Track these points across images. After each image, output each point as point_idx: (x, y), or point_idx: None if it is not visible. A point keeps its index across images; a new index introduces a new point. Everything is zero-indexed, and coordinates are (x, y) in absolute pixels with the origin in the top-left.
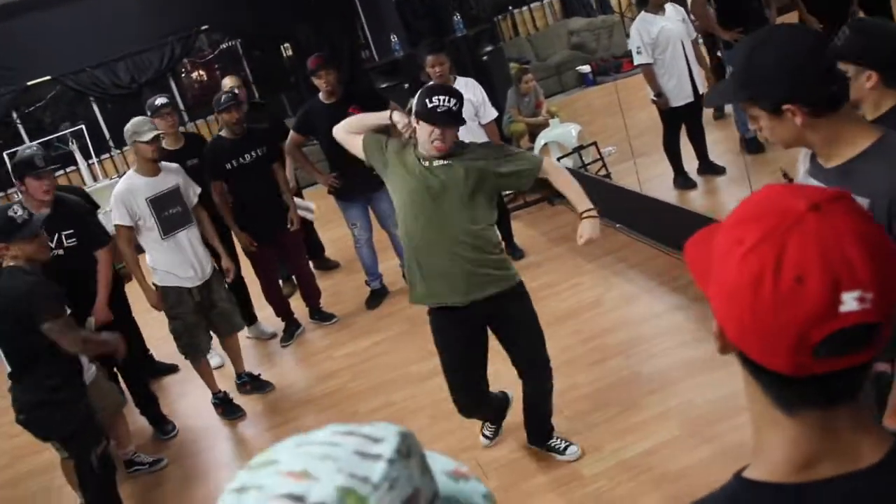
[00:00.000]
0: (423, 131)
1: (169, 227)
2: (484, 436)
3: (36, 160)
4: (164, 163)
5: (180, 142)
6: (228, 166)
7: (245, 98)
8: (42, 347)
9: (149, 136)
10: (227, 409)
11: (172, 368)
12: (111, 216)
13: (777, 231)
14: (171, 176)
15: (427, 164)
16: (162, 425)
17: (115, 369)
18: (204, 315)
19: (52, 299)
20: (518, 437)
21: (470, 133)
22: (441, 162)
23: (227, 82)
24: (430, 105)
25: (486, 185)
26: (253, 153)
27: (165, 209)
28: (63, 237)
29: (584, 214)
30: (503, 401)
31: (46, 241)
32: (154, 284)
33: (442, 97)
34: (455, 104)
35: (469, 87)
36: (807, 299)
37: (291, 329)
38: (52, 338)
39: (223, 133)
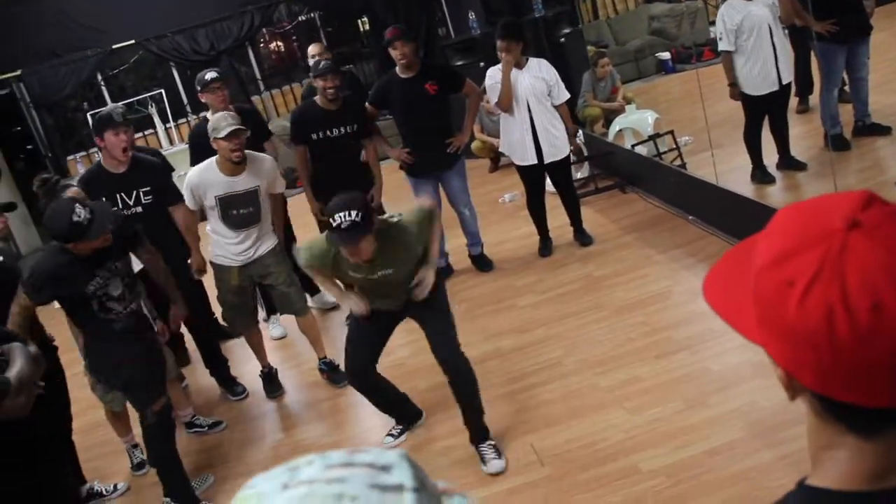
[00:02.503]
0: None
1: (232, 224)
2: (389, 434)
3: (115, 115)
4: (258, 158)
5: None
6: (314, 136)
7: None
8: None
9: (223, 133)
10: (267, 386)
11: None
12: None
13: (828, 262)
14: (255, 177)
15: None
16: (232, 386)
17: (182, 331)
18: (248, 295)
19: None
20: (573, 428)
21: (543, 114)
22: (381, 273)
23: (312, 49)
24: (334, 225)
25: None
26: (343, 128)
27: (234, 209)
28: (141, 194)
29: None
30: (402, 403)
31: (109, 237)
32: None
33: (341, 213)
34: (357, 214)
35: (543, 68)
36: (891, 324)
37: None
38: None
39: (317, 99)
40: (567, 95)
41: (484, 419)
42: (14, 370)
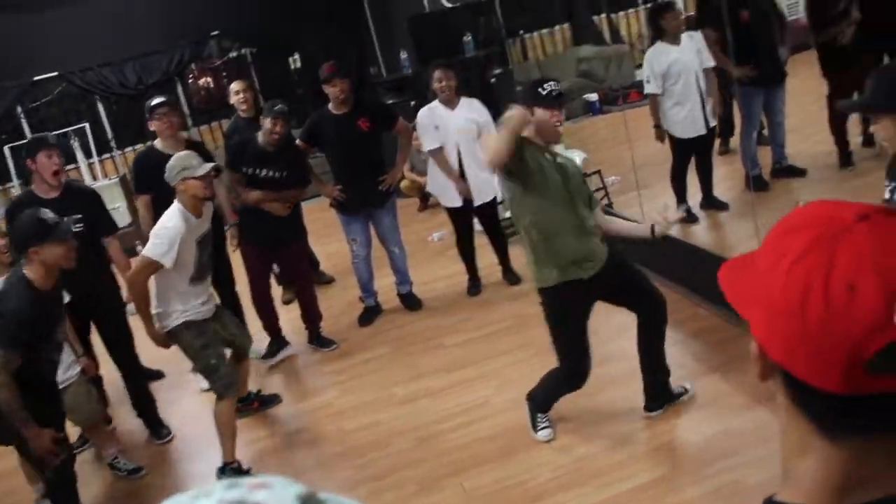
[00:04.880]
0: (545, 116)
1: (200, 272)
2: (543, 428)
3: (48, 137)
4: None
5: (180, 146)
6: (244, 170)
7: (252, 104)
8: None
9: (202, 171)
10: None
11: (158, 374)
12: (149, 248)
13: (824, 239)
14: (209, 216)
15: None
16: (158, 429)
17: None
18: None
19: (13, 333)
20: (503, 468)
21: (472, 155)
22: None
23: (235, 87)
24: (544, 91)
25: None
26: (273, 173)
27: (205, 251)
28: (72, 223)
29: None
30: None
31: (74, 248)
32: (165, 330)
33: (549, 83)
34: (558, 85)
35: (474, 108)
36: (860, 308)
37: (274, 347)
38: None
39: (259, 136)
40: None
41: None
42: None
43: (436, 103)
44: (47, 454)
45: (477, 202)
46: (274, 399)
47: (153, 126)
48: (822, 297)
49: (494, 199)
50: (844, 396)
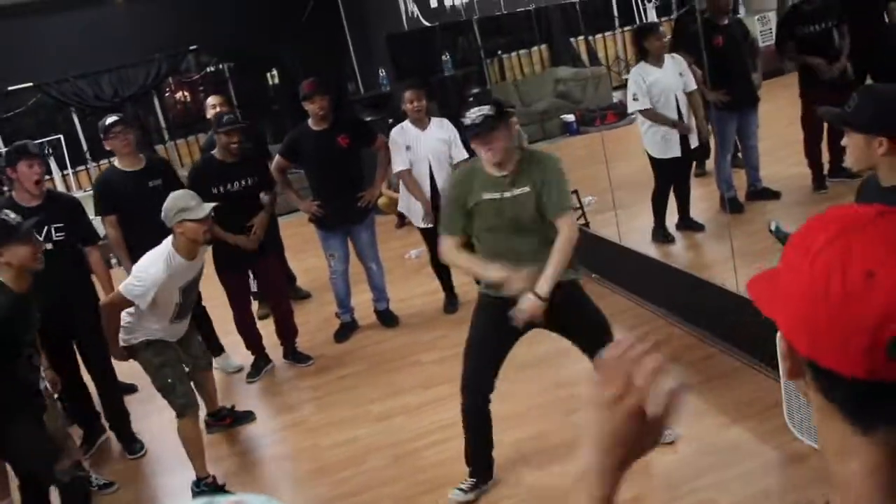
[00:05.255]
0: (480, 153)
1: (180, 313)
2: (459, 490)
3: (30, 146)
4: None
5: (140, 163)
6: (214, 191)
7: None
8: None
9: (202, 213)
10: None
11: (131, 388)
12: (126, 285)
13: (843, 232)
14: (203, 254)
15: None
16: (130, 443)
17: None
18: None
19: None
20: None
21: (442, 171)
22: (517, 191)
23: (212, 101)
24: (466, 123)
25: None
26: (243, 182)
27: (188, 296)
28: (52, 230)
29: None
30: (489, 452)
31: (40, 249)
32: (126, 345)
33: (472, 109)
34: (489, 108)
35: (443, 128)
36: (878, 293)
37: (260, 364)
38: None
39: (216, 153)
40: (465, 155)
41: None
42: None
43: (407, 123)
44: None
45: None
46: (247, 416)
47: (109, 145)
48: (841, 284)
49: None
50: (870, 382)
